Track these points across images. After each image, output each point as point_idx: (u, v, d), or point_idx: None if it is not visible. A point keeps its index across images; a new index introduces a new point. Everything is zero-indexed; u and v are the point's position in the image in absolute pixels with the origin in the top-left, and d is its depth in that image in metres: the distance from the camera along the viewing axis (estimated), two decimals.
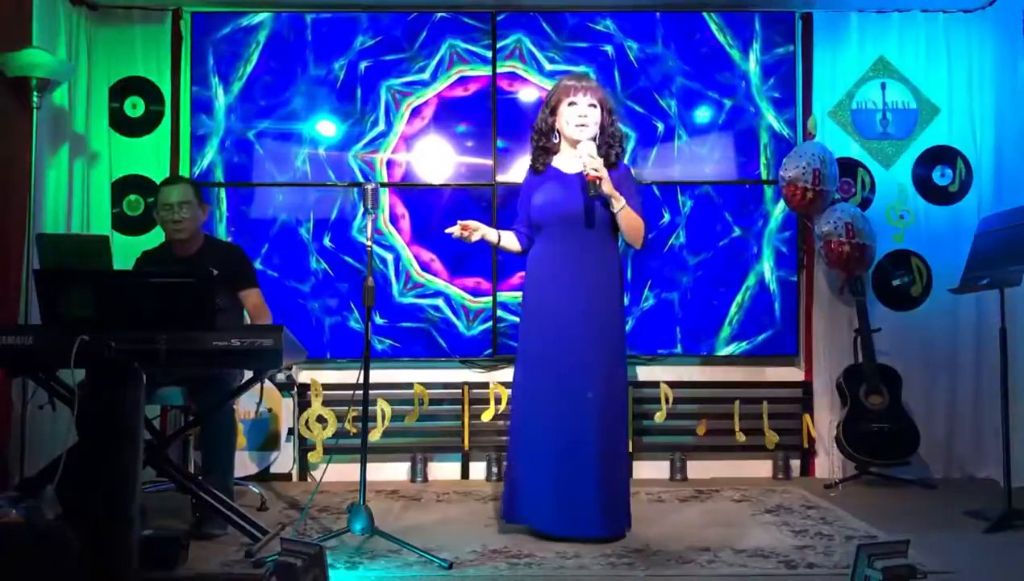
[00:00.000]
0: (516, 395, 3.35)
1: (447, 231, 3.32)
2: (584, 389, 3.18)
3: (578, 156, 3.22)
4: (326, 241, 4.53)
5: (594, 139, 3.27)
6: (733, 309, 4.56)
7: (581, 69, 4.42)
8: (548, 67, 4.57)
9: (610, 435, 3.20)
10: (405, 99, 4.56)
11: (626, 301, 4.01)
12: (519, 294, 4.45)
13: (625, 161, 3.45)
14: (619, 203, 3.22)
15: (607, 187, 3.17)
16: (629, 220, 3.26)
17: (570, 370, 3.19)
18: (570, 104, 3.29)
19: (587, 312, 3.22)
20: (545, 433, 3.20)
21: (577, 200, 3.27)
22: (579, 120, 3.28)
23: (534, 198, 3.36)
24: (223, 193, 4.50)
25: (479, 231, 3.33)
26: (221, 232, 4.47)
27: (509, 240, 3.46)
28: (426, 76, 4.57)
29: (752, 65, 4.59)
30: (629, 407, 4.38)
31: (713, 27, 4.60)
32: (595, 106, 3.29)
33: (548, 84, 4.44)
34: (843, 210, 4.32)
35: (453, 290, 4.53)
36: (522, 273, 3.47)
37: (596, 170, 3.14)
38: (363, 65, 4.56)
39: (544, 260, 3.31)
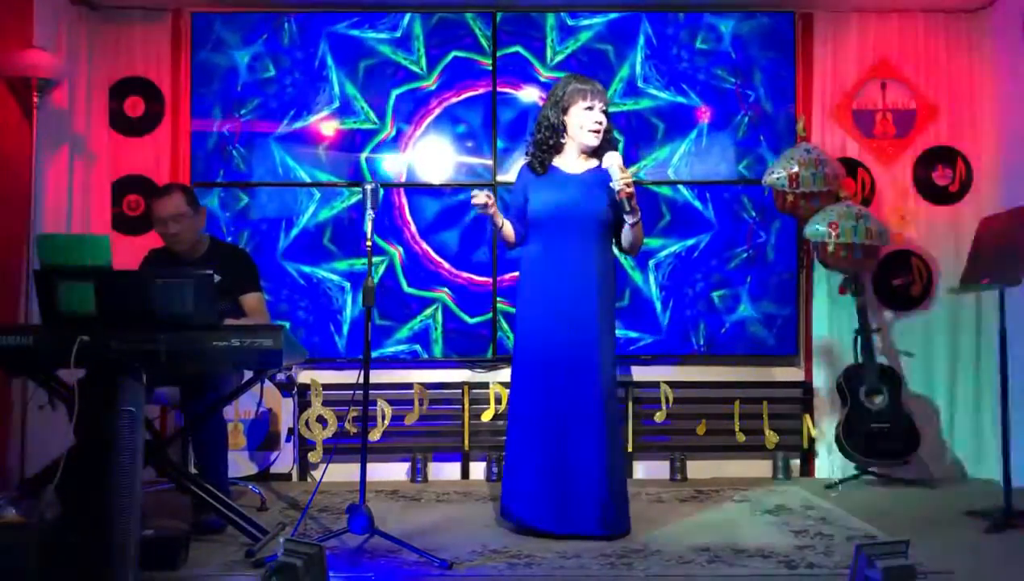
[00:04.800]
0: (515, 395, 3.34)
1: (472, 194, 3.21)
2: (584, 388, 3.19)
3: (606, 166, 3.21)
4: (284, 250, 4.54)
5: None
6: (734, 310, 4.56)
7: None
8: (553, 55, 4.58)
9: (611, 433, 3.21)
10: (406, 100, 4.57)
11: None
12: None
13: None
14: (636, 217, 3.22)
15: (635, 201, 3.18)
16: (637, 232, 3.28)
17: (571, 370, 3.20)
18: (587, 108, 3.27)
19: (588, 312, 3.22)
20: (546, 432, 3.20)
21: (579, 199, 3.26)
22: (595, 126, 3.27)
23: (534, 197, 3.34)
24: (219, 193, 4.51)
25: (494, 208, 3.27)
26: (220, 232, 4.47)
27: (508, 228, 3.42)
28: (427, 77, 4.57)
29: (752, 65, 4.59)
30: (628, 407, 4.42)
31: (712, 27, 4.60)
32: (606, 113, 3.29)
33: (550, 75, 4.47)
34: (832, 211, 4.29)
35: (450, 301, 4.55)
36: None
37: (629, 186, 3.14)
38: (364, 64, 4.56)
39: (543, 260, 3.31)
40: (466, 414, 4.48)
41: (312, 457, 4.42)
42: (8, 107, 3.88)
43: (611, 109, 3.57)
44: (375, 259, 4.45)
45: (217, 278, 3.52)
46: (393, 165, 4.57)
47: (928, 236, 4.59)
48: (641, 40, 4.58)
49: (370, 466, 3.28)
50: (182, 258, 3.63)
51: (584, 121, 3.28)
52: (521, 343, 3.35)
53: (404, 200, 4.56)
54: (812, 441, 4.53)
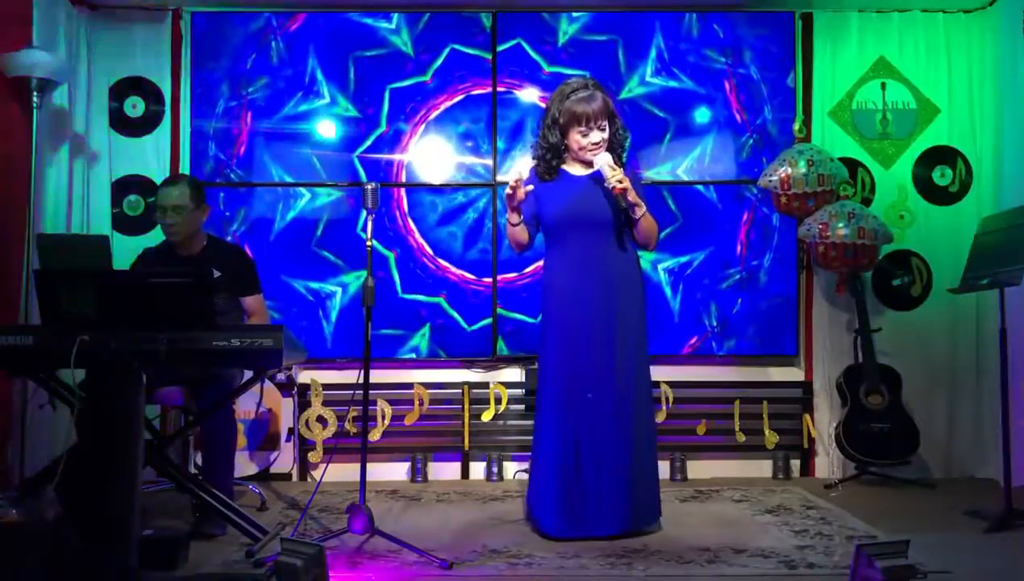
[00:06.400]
0: (539, 403, 3.33)
1: (509, 178, 3.18)
2: (600, 389, 3.19)
3: (597, 168, 3.21)
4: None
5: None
6: (734, 308, 4.56)
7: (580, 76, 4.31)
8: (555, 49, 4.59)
9: (630, 430, 3.21)
10: (408, 100, 4.57)
11: None
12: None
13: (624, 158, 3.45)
14: (641, 210, 3.21)
15: (632, 196, 3.17)
16: (647, 225, 3.27)
17: (590, 373, 3.20)
18: (582, 133, 3.25)
19: (606, 314, 3.22)
20: (563, 435, 3.21)
21: (592, 202, 3.25)
22: (592, 147, 3.26)
23: (545, 204, 3.31)
24: (220, 193, 4.51)
25: (520, 196, 3.21)
26: (222, 232, 4.46)
27: (523, 228, 3.34)
28: (427, 79, 4.57)
29: (751, 65, 4.59)
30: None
31: (713, 28, 4.60)
32: (605, 129, 3.26)
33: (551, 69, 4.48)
34: (825, 211, 4.29)
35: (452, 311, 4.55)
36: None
37: (620, 182, 3.13)
38: (363, 64, 4.55)
39: (563, 266, 3.30)
40: (466, 414, 4.48)
41: (312, 457, 4.42)
42: (8, 107, 3.88)
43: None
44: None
45: (217, 274, 3.56)
46: (390, 164, 4.57)
47: (928, 236, 4.59)
48: (653, 53, 4.58)
49: (370, 466, 3.28)
50: (178, 253, 3.62)
51: (582, 143, 3.27)
52: (545, 352, 3.34)
53: (403, 195, 4.56)
54: (812, 441, 4.53)
